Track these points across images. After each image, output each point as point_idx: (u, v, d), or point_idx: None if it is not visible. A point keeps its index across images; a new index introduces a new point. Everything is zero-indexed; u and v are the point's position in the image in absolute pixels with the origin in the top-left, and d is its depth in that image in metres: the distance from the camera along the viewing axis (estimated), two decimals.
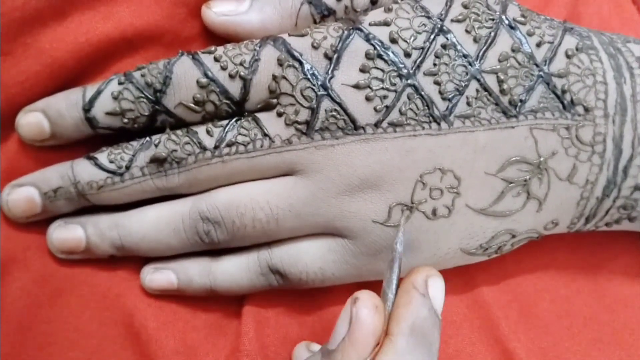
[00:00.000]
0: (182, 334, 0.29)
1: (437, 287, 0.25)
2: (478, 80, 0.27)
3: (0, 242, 0.28)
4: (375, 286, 0.30)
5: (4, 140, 0.28)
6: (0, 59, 0.27)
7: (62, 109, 0.27)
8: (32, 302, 0.28)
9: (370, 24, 0.27)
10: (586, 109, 0.28)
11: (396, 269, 0.25)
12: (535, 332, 0.31)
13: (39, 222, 0.28)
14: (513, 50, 0.28)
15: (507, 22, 0.28)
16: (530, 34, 0.28)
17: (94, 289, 0.29)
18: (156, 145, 0.28)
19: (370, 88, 0.27)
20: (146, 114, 0.27)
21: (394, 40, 0.27)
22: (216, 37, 0.29)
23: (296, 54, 0.27)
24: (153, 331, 0.28)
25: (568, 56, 0.28)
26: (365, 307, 0.23)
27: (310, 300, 0.30)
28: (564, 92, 0.28)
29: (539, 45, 0.28)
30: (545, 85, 0.28)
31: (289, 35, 0.28)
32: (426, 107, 0.27)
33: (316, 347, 0.29)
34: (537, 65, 0.28)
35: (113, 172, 0.28)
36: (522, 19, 0.28)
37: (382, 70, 0.27)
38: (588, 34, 0.29)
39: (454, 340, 0.30)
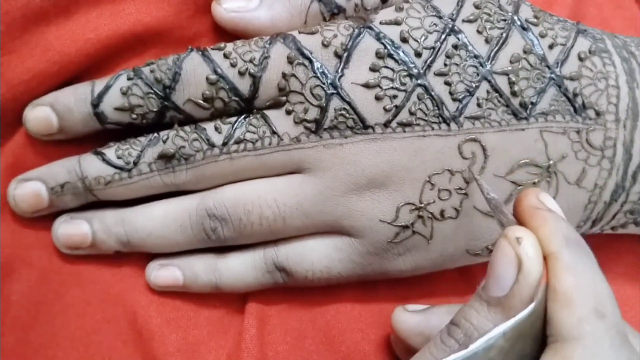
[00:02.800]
0: (185, 330, 0.29)
1: (551, 200, 0.24)
2: (489, 82, 0.27)
3: (3, 239, 0.28)
4: (380, 286, 0.30)
5: (11, 135, 0.28)
6: (1, 57, 0.27)
7: (71, 103, 0.27)
8: (36, 299, 0.28)
9: (381, 23, 0.27)
10: (597, 113, 0.28)
11: (506, 210, 0.24)
12: None
13: (43, 219, 0.28)
14: (525, 52, 0.27)
15: (519, 23, 0.28)
16: (542, 36, 0.28)
17: (98, 285, 0.29)
18: (164, 142, 0.27)
19: (380, 87, 0.26)
20: (155, 109, 0.27)
21: (404, 40, 0.27)
22: (224, 34, 0.28)
23: (306, 52, 0.27)
24: (156, 328, 0.29)
25: (581, 59, 0.28)
26: (532, 245, 0.22)
27: (314, 298, 0.30)
28: (575, 95, 0.28)
29: (551, 47, 0.28)
30: (556, 87, 0.28)
31: (299, 32, 0.27)
32: (436, 108, 0.27)
33: (415, 307, 0.29)
34: (549, 68, 0.28)
35: (121, 168, 0.28)
36: (535, 20, 0.28)
37: (393, 70, 0.27)
38: (601, 37, 0.29)
39: None
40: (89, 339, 0.28)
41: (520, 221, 0.23)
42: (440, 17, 0.27)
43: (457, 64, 0.27)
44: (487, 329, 0.22)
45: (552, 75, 0.28)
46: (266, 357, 0.29)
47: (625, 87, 0.28)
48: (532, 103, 0.27)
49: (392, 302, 0.30)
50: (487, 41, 0.27)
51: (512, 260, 0.22)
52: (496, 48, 0.27)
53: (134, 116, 0.28)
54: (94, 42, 0.27)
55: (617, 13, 0.34)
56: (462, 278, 0.31)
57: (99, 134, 0.28)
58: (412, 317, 0.28)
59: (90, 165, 0.28)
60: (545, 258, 0.22)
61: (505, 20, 0.28)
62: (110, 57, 0.28)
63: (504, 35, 0.27)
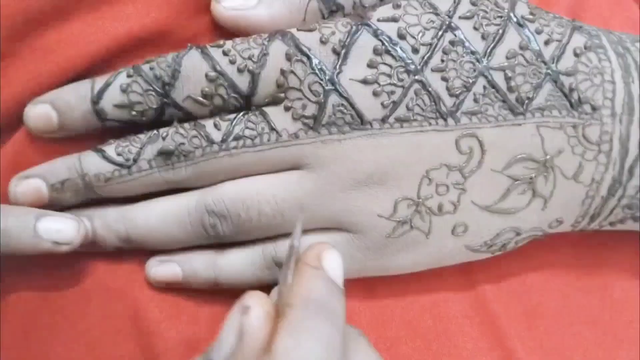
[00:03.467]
0: (185, 327, 0.29)
1: (332, 259, 0.23)
2: (486, 77, 0.27)
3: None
4: (378, 282, 0.30)
5: (12, 133, 0.29)
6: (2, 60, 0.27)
7: (71, 100, 0.28)
8: (37, 295, 0.29)
9: (378, 20, 0.27)
10: (593, 108, 0.28)
11: (292, 263, 0.24)
12: (537, 331, 0.31)
13: None
14: (521, 48, 0.28)
15: (515, 19, 0.28)
16: (538, 32, 0.28)
17: (98, 282, 0.29)
18: (164, 139, 0.28)
19: (378, 83, 0.27)
20: (154, 106, 0.28)
21: (402, 36, 0.27)
22: (224, 34, 0.29)
23: (304, 49, 0.27)
24: (156, 324, 0.29)
25: (576, 54, 0.28)
26: (257, 318, 0.21)
27: None
28: (571, 90, 0.28)
29: (547, 43, 0.28)
30: (553, 83, 0.28)
31: (298, 30, 0.28)
32: (433, 103, 0.27)
33: None
34: (545, 63, 0.28)
35: (120, 165, 0.28)
36: (531, 17, 0.28)
37: (390, 66, 0.27)
38: (597, 33, 0.29)
39: (454, 338, 0.30)
40: (90, 334, 0.29)
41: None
42: (437, 14, 0.28)
43: (454, 60, 0.27)
44: None
45: (548, 71, 0.28)
46: None
47: (621, 82, 0.28)
48: (528, 98, 0.28)
49: (390, 299, 0.30)
50: (483, 37, 0.28)
51: (235, 327, 0.21)
52: (493, 44, 0.28)
53: (134, 113, 0.28)
54: (94, 44, 0.28)
55: (616, 12, 0.34)
56: (461, 275, 0.31)
57: (99, 132, 0.28)
58: None
59: (90, 162, 0.28)
60: (278, 317, 0.21)
61: (501, 16, 0.28)
62: (111, 59, 0.28)
63: (500, 31, 0.28)
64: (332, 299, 0.22)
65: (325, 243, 0.24)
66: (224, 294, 0.30)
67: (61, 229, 0.27)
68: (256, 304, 0.21)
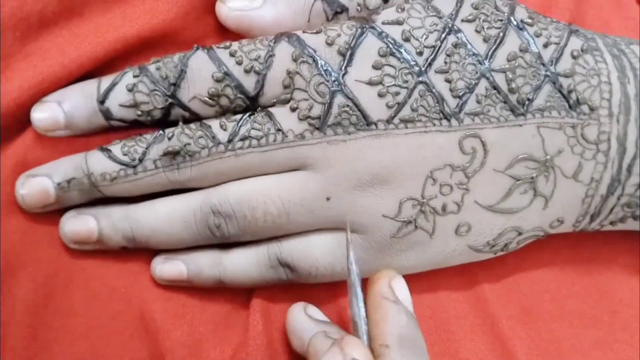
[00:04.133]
0: (190, 326, 0.29)
1: (402, 288, 0.24)
2: (487, 79, 0.28)
3: (10, 234, 0.28)
4: None
5: (19, 132, 0.29)
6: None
7: (77, 100, 0.28)
8: (43, 294, 0.28)
9: (383, 23, 0.28)
10: (591, 108, 0.29)
11: (359, 292, 0.24)
12: (536, 331, 0.31)
13: (50, 216, 0.28)
14: (521, 50, 0.28)
15: (515, 23, 0.29)
16: (537, 35, 0.29)
17: (104, 281, 0.29)
18: (169, 139, 0.28)
19: (383, 85, 0.27)
20: (160, 107, 0.28)
21: (406, 39, 0.28)
22: (230, 35, 0.29)
23: (310, 50, 0.27)
24: (161, 323, 0.29)
25: (574, 57, 0.29)
26: None
27: (318, 295, 0.30)
28: (570, 91, 0.29)
29: (545, 45, 0.29)
30: (552, 84, 0.28)
31: (303, 32, 0.28)
32: (437, 104, 0.27)
33: (313, 312, 0.28)
34: (544, 65, 0.28)
35: (126, 165, 0.28)
36: (530, 21, 0.29)
37: (395, 68, 0.27)
38: (592, 36, 0.30)
39: (454, 337, 0.31)
40: (95, 333, 0.28)
41: (367, 307, 0.24)
42: (440, 17, 0.28)
43: (457, 62, 0.28)
44: None
45: (548, 73, 0.28)
46: (274, 353, 0.29)
47: (617, 83, 0.29)
48: (528, 99, 0.28)
49: None
50: (485, 40, 0.28)
51: None
52: (494, 47, 0.28)
53: (139, 113, 0.28)
54: (103, 45, 0.28)
55: (617, 13, 0.35)
56: (462, 275, 0.31)
57: (106, 131, 0.28)
58: (302, 321, 0.28)
59: (96, 162, 0.28)
60: (377, 358, 0.22)
61: (502, 20, 0.29)
62: (119, 59, 0.29)
63: (501, 34, 0.28)
64: (417, 333, 0.23)
65: (391, 271, 0.25)
66: (229, 294, 0.30)
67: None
68: (357, 352, 0.22)
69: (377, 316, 0.23)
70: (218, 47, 0.28)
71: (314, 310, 0.29)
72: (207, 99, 0.28)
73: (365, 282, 0.27)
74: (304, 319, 0.28)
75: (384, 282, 0.24)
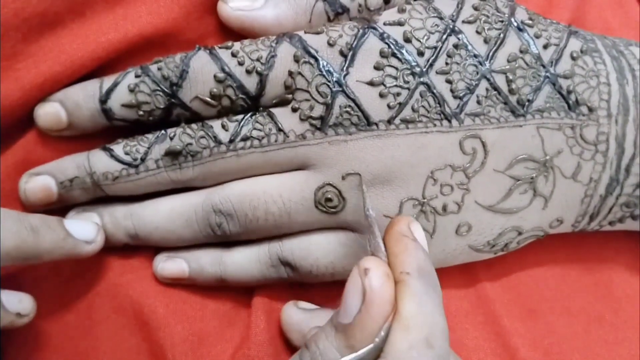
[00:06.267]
0: (191, 323, 0.29)
1: (419, 231, 0.25)
2: (488, 80, 0.28)
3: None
4: None
5: (23, 132, 0.29)
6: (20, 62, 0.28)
7: (79, 99, 0.28)
8: (46, 290, 0.29)
9: (384, 24, 0.28)
10: (590, 109, 0.29)
11: (377, 232, 0.25)
12: (537, 329, 0.32)
13: (54, 213, 0.28)
14: (521, 52, 0.28)
15: (515, 24, 0.29)
16: (537, 36, 0.29)
17: (106, 277, 0.29)
18: (171, 139, 0.28)
19: (384, 85, 0.27)
20: (162, 107, 0.28)
21: (407, 40, 0.28)
22: (232, 35, 0.29)
23: (312, 51, 0.27)
24: (163, 319, 0.29)
25: (573, 58, 0.29)
26: (378, 277, 0.23)
27: (320, 293, 0.30)
28: (569, 92, 0.29)
29: (545, 47, 0.29)
30: (551, 85, 0.29)
31: (305, 32, 0.28)
32: (438, 105, 0.28)
33: (305, 305, 0.29)
34: (544, 66, 0.29)
35: (128, 164, 0.28)
36: (530, 22, 0.29)
37: (396, 68, 0.27)
38: (592, 38, 0.30)
39: (456, 335, 0.31)
40: (97, 328, 0.29)
41: (387, 244, 0.25)
42: (441, 18, 0.28)
43: (457, 63, 0.28)
44: (332, 356, 0.22)
45: (547, 74, 0.29)
46: (276, 349, 0.29)
47: (616, 84, 0.29)
48: (528, 100, 0.28)
49: None
50: (485, 41, 0.28)
51: (358, 289, 0.23)
52: (494, 48, 0.28)
53: (141, 113, 0.28)
54: (105, 45, 0.28)
55: (617, 13, 0.35)
56: (463, 273, 0.31)
57: (108, 131, 0.28)
58: (297, 314, 0.29)
59: (98, 161, 0.28)
60: (397, 284, 0.23)
61: (502, 21, 0.29)
62: (121, 59, 0.29)
63: (502, 35, 0.28)
64: (433, 270, 0.24)
65: (408, 216, 0.26)
66: (230, 291, 0.30)
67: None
68: (375, 266, 0.23)
69: (397, 249, 0.24)
70: (220, 48, 0.28)
71: (305, 304, 0.29)
72: (208, 99, 0.28)
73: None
74: (298, 312, 0.29)
75: (403, 223, 0.25)
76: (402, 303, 0.22)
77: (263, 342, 0.29)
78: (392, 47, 0.27)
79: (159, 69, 0.28)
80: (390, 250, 0.24)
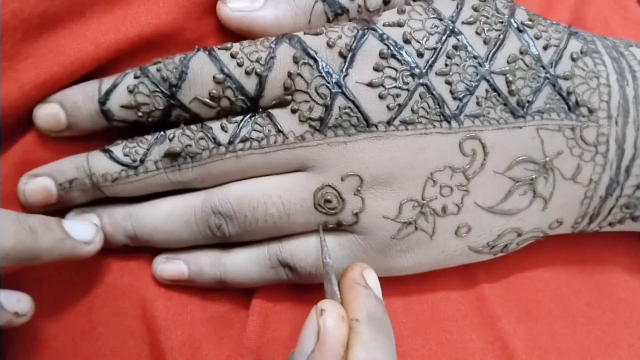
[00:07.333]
0: (191, 325, 0.29)
1: (373, 278, 0.26)
2: (487, 81, 0.28)
3: None
4: (382, 283, 0.31)
5: (22, 133, 0.29)
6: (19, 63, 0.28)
7: (78, 100, 0.28)
8: (46, 292, 0.29)
9: (384, 25, 0.28)
10: (590, 111, 0.29)
11: (334, 279, 0.26)
12: (536, 331, 0.32)
13: (52, 213, 0.28)
14: (521, 53, 0.28)
15: (515, 25, 0.29)
16: (537, 37, 0.29)
17: (106, 279, 0.29)
18: (170, 140, 0.28)
19: (384, 86, 0.27)
20: (161, 108, 0.28)
21: (407, 41, 0.28)
22: (231, 36, 0.29)
23: (311, 52, 0.27)
24: (162, 321, 0.29)
25: (573, 59, 0.29)
26: (332, 318, 0.24)
27: (319, 295, 0.30)
28: (569, 93, 0.29)
29: (545, 48, 0.29)
30: (551, 86, 0.29)
31: (304, 33, 0.28)
32: (437, 106, 0.27)
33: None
34: (543, 68, 0.29)
35: (127, 166, 0.28)
36: (530, 23, 0.29)
37: (396, 70, 0.27)
38: (592, 39, 0.30)
39: (454, 337, 0.31)
40: (97, 331, 0.29)
41: (341, 291, 0.26)
42: (440, 19, 0.28)
43: (457, 64, 0.28)
44: None
45: (547, 75, 0.29)
46: (271, 353, 0.29)
47: (616, 85, 0.29)
48: (528, 101, 0.28)
49: (391, 298, 0.31)
50: (485, 42, 0.28)
51: (314, 329, 0.24)
52: (494, 49, 0.28)
53: (140, 114, 0.28)
54: (104, 46, 0.28)
55: (617, 13, 0.35)
56: (462, 275, 0.31)
57: (107, 132, 0.29)
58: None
59: (97, 163, 0.28)
60: (349, 331, 0.24)
61: (502, 22, 0.29)
62: (121, 60, 0.29)
63: (501, 36, 0.28)
64: (385, 317, 0.25)
65: (362, 263, 0.27)
66: (230, 294, 0.30)
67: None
68: (331, 307, 0.24)
69: (350, 297, 0.25)
70: (219, 49, 0.28)
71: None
72: (207, 100, 0.28)
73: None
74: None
75: (356, 270, 0.26)
76: (352, 350, 0.24)
77: (259, 347, 0.29)
78: (392, 48, 0.27)
79: (158, 70, 0.28)
80: (343, 298, 0.25)
